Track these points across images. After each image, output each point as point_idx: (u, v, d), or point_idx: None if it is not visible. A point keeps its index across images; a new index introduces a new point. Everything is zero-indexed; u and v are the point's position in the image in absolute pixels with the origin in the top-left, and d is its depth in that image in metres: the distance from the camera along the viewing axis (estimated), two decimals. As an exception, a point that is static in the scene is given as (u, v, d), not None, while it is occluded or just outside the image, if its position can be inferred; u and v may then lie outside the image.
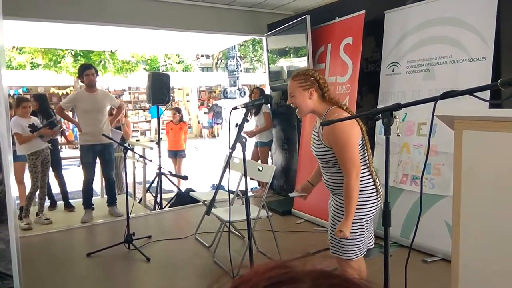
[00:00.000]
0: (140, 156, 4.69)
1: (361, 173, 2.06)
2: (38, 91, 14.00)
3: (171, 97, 6.22)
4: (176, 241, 3.97)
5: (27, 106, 4.62)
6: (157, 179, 5.57)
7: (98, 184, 5.91)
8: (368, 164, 2.11)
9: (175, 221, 4.95)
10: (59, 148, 6.07)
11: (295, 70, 4.49)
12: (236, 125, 2.16)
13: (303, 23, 4.38)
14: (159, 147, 5.48)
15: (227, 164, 2.26)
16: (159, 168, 5.43)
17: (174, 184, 6.11)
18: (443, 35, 3.34)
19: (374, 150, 3.52)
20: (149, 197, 5.99)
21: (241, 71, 16.74)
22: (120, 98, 15.63)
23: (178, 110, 7.75)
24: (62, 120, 5.71)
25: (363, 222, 2.08)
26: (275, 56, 5.26)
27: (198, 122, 18.55)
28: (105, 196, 5.31)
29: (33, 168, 4.59)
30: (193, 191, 5.13)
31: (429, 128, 1.58)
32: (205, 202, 3.84)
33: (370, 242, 2.20)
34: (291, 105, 2.19)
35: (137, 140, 10.66)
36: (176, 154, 7.24)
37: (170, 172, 5.83)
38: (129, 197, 3.79)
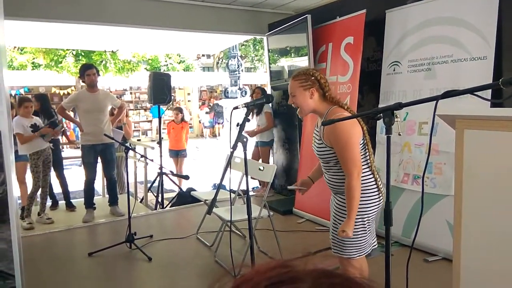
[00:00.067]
0: (142, 156, 4.70)
1: (363, 173, 2.05)
2: (40, 91, 14.02)
3: (172, 97, 6.23)
4: (178, 241, 3.98)
5: (29, 106, 4.63)
6: (158, 178, 5.58)
7: (99, 183, 5.92)
8: (370, 164, 2.11)
9: (176, 220, 4.95)
10: (61, 148, 6.08)
11: (296, 70, 4.49)
12: (237, 124, 2.16)
13: (304, 23, 4.37)
14: (160, 146, 5.48)
15: (228, 163, 2.26)
16: (161, 168, 5.43)
17: (176, 184, 6.12)
18: (444, 35, 3.34)
19: (376, 149, 3.51)
20: (151, 197, 5.99)
21: (242, 70, 16.73)
22: (121, 98, 15.64)
23: (180, 110, 7.77)
24: (64, 120, 5.72)
25: (365, 221, 2.08)
26: (276, 55, 5.26)
27: (199, 122, 18.55)
28: (107, 195, 5.33)
29: (34, 168, 4.60)
30: (194, 190, 5.13)
31: (430, 128, 1.58)
32: (207, 201, 3.84)
33: (374, 242, 2.20)
34: (292, 105, 2.18)
35: (138, 140, 10.66)
36: (178, 154, 7.27)
37: (171, 171, 5.83)
38: (130, 197, 3.78)
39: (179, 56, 17.48)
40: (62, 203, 5.49)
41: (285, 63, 5.07)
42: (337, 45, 4.25)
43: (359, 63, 3.94)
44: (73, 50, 12.01)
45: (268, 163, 5.46)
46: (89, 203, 4.89)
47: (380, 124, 3.69)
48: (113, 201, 5.08)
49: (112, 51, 11.95)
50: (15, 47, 12.30)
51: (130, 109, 16.65)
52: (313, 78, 2.12)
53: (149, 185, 5.93)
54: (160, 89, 5.33)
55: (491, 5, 3.01)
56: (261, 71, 19.51)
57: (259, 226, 3.46)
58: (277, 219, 4.18)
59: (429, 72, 3.47)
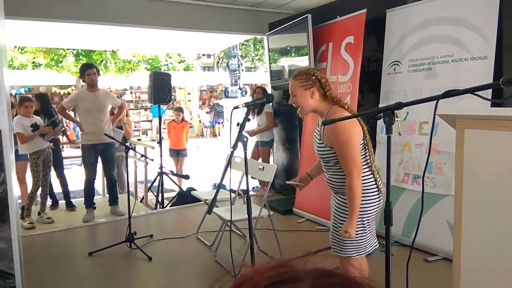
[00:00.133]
0: (142, 156, 4.70)
1: (362, 173, 2.05)
2: (40, 90, 14.03)
3: (173, 97, 6.23)
4: (178, 240, 3.98)
5: (29, 106, 4.62)
6: (158, 178, 5.58)
7: (99, 183, 5.92)
8: (370, 164, 2.11)
9: (176, 220, 4.95)
10: (61, 147, 6.08)
11: (296, 69, 4.49)
12: (238, 124, 2.16)
13: (304, 22, 4.37)
14: (160, 146, 5.48)
15: (229, 163, 2.26)
16: (161, 168, 5.43)
17: (176, 183, 6.12)
18: (445, 34, 3.33)
19: (376, 149, 3.51)
20: (151, 196, 6.00)
21: (242, 70, 16.72)
22: (122, 98, 15.64)
23: (181, 110, 7.81)
24: (64, 119, 5.72)
25: (364, 221, 2.08)
26: (277, 55, 5.26)
27: (200, 122, 18.56)
28: (107, 195, 5.33)
29: (34, 167, 4.60)
30: (195, 190, 5.13)
31: (430, 127, 1.58)
32: (207, 201, 3.84)
33: (375, 242, 2.20)
34: (293, 104, 2.18)
35: (138, 140, 10.66)
36: (178, 153, 7.30)
37: (171, 171, 5.83)
38: (130, 196, 3.78)
39: (180, 55, 17.50)
40: (62, 202, 5.49)
41: (285, 62, 5.07)
42: (337, 44, 4.25)
43: (360, 63, 3.94)
44: (74, 49, 12.02)
45: (268, 162, 5.46)
46: (89, 203, 4.89)
47: (380, 123, 3.69)
48: (113, 200, 5.08)
49: (113, 51, 11.96)
50: (15, 46, 12.32)
51: (130, 109, 16.65)
52: (313, 77, 2.12)
53: (149, 184, 5.93)
54: (161, 89, 5.33)
55: (492, 4, 3.01)
56: (262, 70, 19.52)
57: (259, 225, 3.46)
58: (277, 218, 4.18)
59: (429, 71, 3.47)
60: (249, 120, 2.26)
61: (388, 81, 3.82)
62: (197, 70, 20.31)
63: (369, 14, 3.86)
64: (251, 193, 3.99)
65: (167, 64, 16.64)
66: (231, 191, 3.13)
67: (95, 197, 5.05)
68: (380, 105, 3.70)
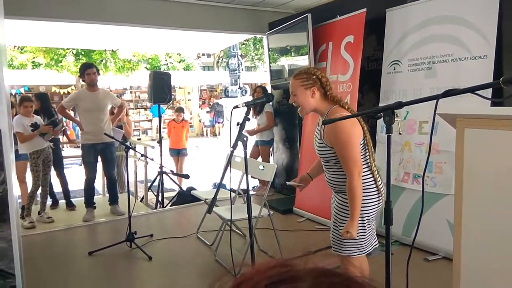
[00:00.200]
0: (142, 155, 4.70)
1: (362, 172, 2.05)
2: (40, 90, 14.03)
3: (172, 96, 6.23)
4: (178, 240, 3.98)
5: (28, 106, 4.62)
6: (158, 177, 5.58)
7: (99, 182, 5.92)
8: (370, 164, 2.11)
9: (176, 219, 4.95)
10: (61, 147, 6.08)
11: (296, 69, 4.48)
12: (238, 124, 2.16)
13: (304, 22, 4.37)
14: (160, 146, 5.48)
15: (229, 162, 2.26)
16: (161, 167, 5.43)
17: (176, 183, 6.12)
18: (445, 33, 3.33)
19: (376, 148, 3.51)
20: (151, 196, 6.00)
21: (242, 69, 16.71)
22: (122, 97, 15.65)
23: (181, 110, 7.84)
24: (64, 119, 5.72)
25: (364, 221, 2.08)
26: (276, 54, 5.26)
27: (200, 121, 18.56)
28: (107, 194, 5.33)
29: (34, 167, 4.60)
30: (195, 189, 5.14)
31: (430, 127, 1.57)
32: (207, 200, 3.84)
33: (375, 242, 2.20)
34: (293, 104, 2.18)
35: (138, 139, 10.66)
36: (179, 153, 7.33)
37: (171, 171, 5.83)
38: (130, 196, 3.78)
39: (179, 55, 17.49)
40: (62, 202, 5.50)
41: (285, 62, 5.07)
42: (337, 44, 4.25)
43: (359, 62, 3.94)
44: (73, 49, 12.02)
45: (268, 162, 5.46)
46: (90, 202, 4.89)
47: (380, 123, 3.69)
48: (113, 200, 5.08)
49: (112, 50, 11.95)
50: (15, 46, 12.31)
51: (130, 108, 16.66)
52: (314, 77, 2.12)
53: (149, 184, 5.93)
54: (160, 88, 5.33)
55: (492, 4, 3.00)
56: (262, 70, 19.51)
57: (259, 225, 3.46)
58: (277, 218, 4.18)
59: (429, 71, 3.46)
60: (249, 119, 2.26)
61: (388, 81, 3.82)
62: (197, 70, 20.31)
63: (369, 14, 3.86)
64: (251, 192, 3.99)
65: (167, 64, 16.64)
66: (231, 190, 3.13)
67: (95, 197, 5.05)
68: (380, 105, 3.70)
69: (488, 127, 1.52)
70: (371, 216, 2.11)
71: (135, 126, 15.89)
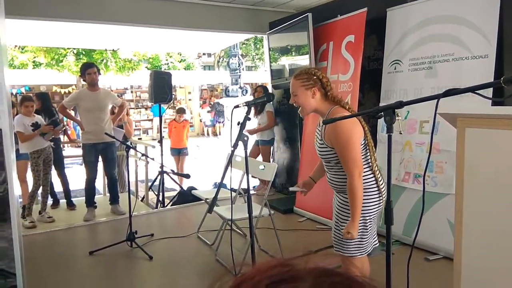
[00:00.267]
0: (142, 155, 4.70)
1: (364, 172, 2.05)
2: (41, 89, 14.03)
3: (173, 96, 6.23)
4: (178, 240, 3.98)
5: (29, 106, 4.63)
6: (159, 177, 5.58)
7: (100, 182, 5.92)
8: (371, 164, 2.11)
9: (177, 219, 4.95)
10: (62, 146, 6.08)
11: (297, 69, 4.48)
12: (238, 123, 2.16)
13: (305, 21, 4.37)
14: (161, 145, 5.49)
15: (229, 162, 2.26)
16: (161, 167, 5.44)
17: (176, 183, 6.12)
18: (445, 33, 3.33)
19: (376, 148, 3.51)
20: (151, 196, 6.00)
21: (243, 69, 16.72)
22: (122, 97, 15.66)
23: (183, 111, 7.87)
24: (65, 119, 5.73)
25: (367, 220, 2.08)
26: (277, 54, 5.25)
27: (200, 121, 18.56)
28: (108, 194, 5.33)
29: (35, 166, 4.60)
30: (195, 189, 5.14)
31: (431, 126, 1.57)
32: (207, 200, 3.84)
33: (375, 241, 2.20)
34: (294, 104, 2.18)
35: (139, 139, 10.68)
36: (180, 152, 7.36)
37: (172, 170, 5.84)
38: (131, 196, 3.79)
39: (180, 54, 17.49)
40: (63, 201, 5.50)
41: (286, 61, 5.07)
42: (338, 43, 4.24)
43: (360, 62, 3.93)
44: (74, 49, 12.02)
45: (269, 161, 5.46)
46: (90, 202, 4.89)
47: (381, 122, 3.69)
48: (114, 199, 5.09)
49: (113, 50, 11.97)
50: (16, 46, 12.32)
51: (131, 108, 16.66)
52: (315, 77, 2.11)
53: (150, 183, 5.93)
54: (161, 88, 5.33)
55: (492, 3, 3.00)
56: (262, 69, 19.51)
57: (259, 225, 3.46)
58: (278, 218, 4.18)
59: (430, 70, 3.46)
60: (249, 119, 2.26)
61: (388, 80, 3.82)
62: (197, 69, 20.31)
63: (370, 13, 3.86)
64: (251, 192, 3.99)
65: (168, 63, 16.64)
66: (232, 190, 3.13)
67: (96, 196, 5.05)
68: (381, 104, 3.70)
69: (489, 127, 1.51)
70: (372, 216, 2.11)
71: (135, 126, 15.89)
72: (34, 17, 4.46)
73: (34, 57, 13.10)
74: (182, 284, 3.19)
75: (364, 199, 2.03)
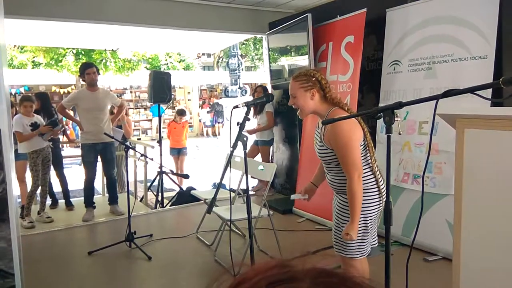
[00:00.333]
0: (141, 155, 4.70)
1: (363, 173, 2.05)
2: (40, 89, 14.02)
3: (172, 96, 6.24)
4: (177, 240, 3.98)
5: (28, 105, 4.62)
6: (158, 177, 5.58)
7: (99, 182, 5.92)
8: (371, 165, 2.10)
9: (176, 219, 4.95)
10: (61, 146, 6.08)
11: (297, 69, 4.49)
12: (238, 123, 2.16)
13: (305, 22, 4.37)
14: (160, 145, 5.48)
15: (228, 162, 2.26)
16: (160, 167, 5.43)
17: (175, 183, 6.12)
18: (445, 34, 3.33)
19: (376, 149, 3.51)
20: (150, 196, 5.99)
21: (242, 69, 16.73)
22: (122, 97, 15.65)
23: (183, 113, 7.89)
24: (64, 119, 5.72)
25: (367, 221, 2.08)
26: (277, 54, 5.25)
27: (200, 121, 18.56)
28: (107, 194, 5.32)
29: (33, 166, 4.59)
30: (194, 189, 5.14)
31: (430, 127, 1.57)
32: (206, 200, 3.84)
33: (374, 241, 2.20)
34: (293, 106, 2.17)
35: (138, 139, 10.65)
36: (179, 152, 7.38)
37: (171, 170, 5.83)
38: (130, 196, 3.78)
39: (179, 55, 17.49)
40: (62, 202, 5.49)
41: (285, 62, 5.07)
42: (337, 44, 4.25)
43: (360, 62, 3.93)
44: (73, 48, 12.02)
45: (268, 162, 5.46)
46: (89, 202, 4.89)
47: (380, 123, 3.69)
48: (113, 200, 5.08)
49: (112, 50, 11.96)
50: (15, 45, 12.31)
51: (130, 108, 16.66)
52: (314, 79, 2.11)
53: (149, 184, 5.93)
54: (160, 88, 5.33)
55: (492, 4, 3.00)
56: (262, 70, 19.52)
57: (259, 225, 3.46)
58: (277, 218, 4.18)
59: (429, 71, 3.46)
60: (249, 119, 2.26)
61: (388, 81, 3.82)
62: (197, 70, 20.31)
63: (369, 14, 3.86)
64: (250, 192, 3.97)
65: (167, 63, 16.64)
66: (231, 190, 3.13)
67: (94, 197, 5.05)
68: (380, 105, 3.70)
69: (488, 128, 1.51)
70: (373, 217, 2.10)
71: (135, 126, 15.89)
72: (33, 16, 4.45)
73: (34, 57, 13.10)
74: (181, 284, 3.18)
75: (364, 200, 2.03)
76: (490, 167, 1.54)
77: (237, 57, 15.95)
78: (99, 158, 4.87)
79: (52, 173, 5.10)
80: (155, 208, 5.48)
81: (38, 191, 4.76)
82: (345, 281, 0.45)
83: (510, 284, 1.48)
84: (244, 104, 2.31)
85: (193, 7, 5.14)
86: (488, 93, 2.69)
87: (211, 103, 18.71)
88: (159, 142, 5.52)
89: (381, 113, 1.61)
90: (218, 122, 17.64)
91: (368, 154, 2.11)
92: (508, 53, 3.04)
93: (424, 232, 2.56)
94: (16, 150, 4.20)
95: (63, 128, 5.65)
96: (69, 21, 4.69)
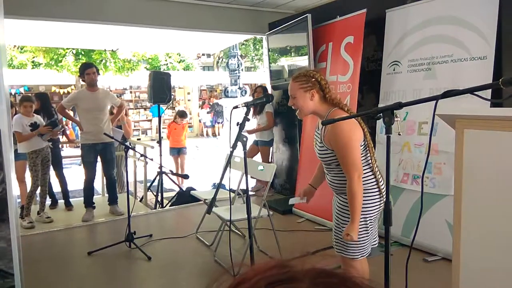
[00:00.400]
0: (141, 155, 4.69)
1: (364, 174, 2.05)
2: (40, 90, 14.02)
3: (172, 96, 6.24)
4: (177, 240, 3.98)
5: (28, 106, 4.62)
6: (158, 178, 5.58)
7: (99, 182, 5.92)
8: (371, 165, 2.11)
9: (176, 220, 4.95)
10: (60, 147, 6.08)
11: (296, 70, 4.49)
12: (237, 124, 2.16)
13: (304, 22, 4.37)
14: (160, 146, 5.48)
15: (228, 163, 2.26)
16: (160, 167, 5.43)
17: (175, 183, 6.12)
18: (444, 34, 3.33)
19: (375, 149, 3.51)
20: (150, 196, 6.00)
21: (242, 70, 16.74)
22: (121, 97, 15.65)
23: (184, 115, 7.89)
24: (64, 119, 5.72)
25: (368, 222, 2.08)
26: (276, 55, 5.26)
27: (200, 121, 18.56)
28: (106, 194, 5.32)
29: (33, 166, 4.59)
30: (194, 190, 5.14)
31: (430, 127, 1.57)
32: (206, 201, 3.84)
33: (375, 241, 2.20)
34: (292, 106, 2.18)
35: (138, 139, 10.64)
36: (179, 151, 7.40)
37: (171, 171, 5.83)
38: (130, 196, 3.79)
39: (179, 55, 17.48)
40: (61, 202, 5.49)
41: (285, 62, 5.07)
42: (337, 44, 4.25)
43: (359, 63, 3.94)
44: (73, 49, 12.02)
45: (268, 162, 5.46)
46: (89, 202, 4.89)
47: (380, 123, 3.69)
48: (112, 200, 5.08)
49: (112, 50, 11.95)
50: (15, 45, 12.30)
51: (130, 108, 16.66)
52: (313, 79, 2.11)
53: (148, 184, 5.93)
54: (160, 88, 5.33)
55: (491, 5, 3.01)
56: (261, 70, 19.52)
57: (258, 225, 3.46)
58: (277, 218, 4.18)
59: (429, 71, 3.47)
60: (248, 120, 2.26)
61: (387, 81, 3.82)
62: (196, 70, 20.30)
63: (369, 14, 3.86)
64: (250, 192, 3.98)
65: (167, 64, 16.63)
66: (231, 190, 3.13)
67: (94, 197, 5.05)
68: (380, 105, 3.70)
69: (488, 128, 1.52)
70: (373, 217, 2.11)
71: (134, 126, 15.89)
72: (33, 17, 4.45)
73: (33, 57, 13.09)
74: (181, 284, 3.18)
75: (364, 200, 2.03)
76: (489, 168, 1.54)
77: (237, 57, 15.96)
78: (98, 158, 4.87)
79: (52, 173, 5.09)
80: (155, 208, 5.48)
81: (38, 191, 4.76)
82: (345, 281, 0.45)
83: (510, 284, 1.48)
84: (243, 105, 2.31)
85: (193, 8, 5.14)
86: (487, 93, 2.70)
87: (211, 104, 18.70)
88: (159, 142, 5.52)
89: (381, 114, 1.61)
90: (218, 123, 17.64)
91: (369, 155, 2.11)
92: (507, 53, 3.04)
93: (423, 232, 2.57)
94: (15, 150, 4.20)
95: (63, 129, 5.65)
96: (69, 21, 4.69)
